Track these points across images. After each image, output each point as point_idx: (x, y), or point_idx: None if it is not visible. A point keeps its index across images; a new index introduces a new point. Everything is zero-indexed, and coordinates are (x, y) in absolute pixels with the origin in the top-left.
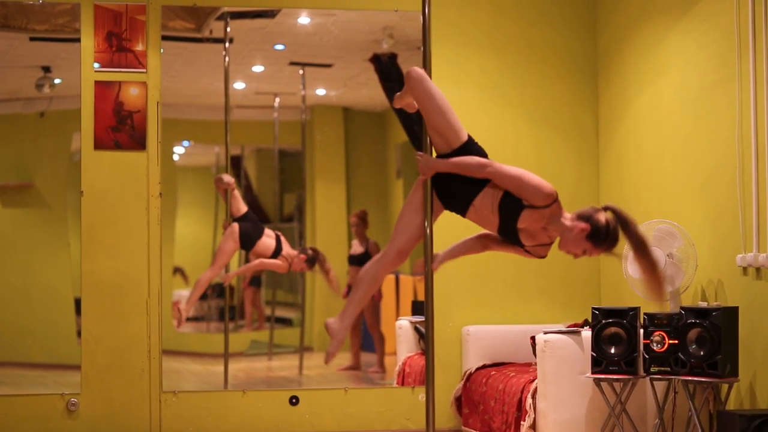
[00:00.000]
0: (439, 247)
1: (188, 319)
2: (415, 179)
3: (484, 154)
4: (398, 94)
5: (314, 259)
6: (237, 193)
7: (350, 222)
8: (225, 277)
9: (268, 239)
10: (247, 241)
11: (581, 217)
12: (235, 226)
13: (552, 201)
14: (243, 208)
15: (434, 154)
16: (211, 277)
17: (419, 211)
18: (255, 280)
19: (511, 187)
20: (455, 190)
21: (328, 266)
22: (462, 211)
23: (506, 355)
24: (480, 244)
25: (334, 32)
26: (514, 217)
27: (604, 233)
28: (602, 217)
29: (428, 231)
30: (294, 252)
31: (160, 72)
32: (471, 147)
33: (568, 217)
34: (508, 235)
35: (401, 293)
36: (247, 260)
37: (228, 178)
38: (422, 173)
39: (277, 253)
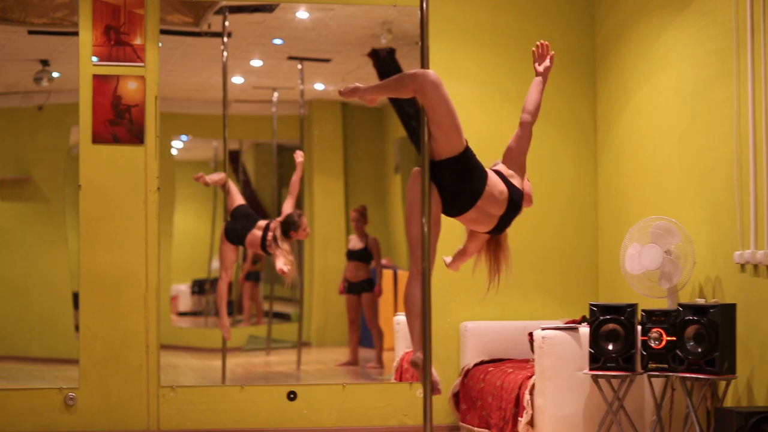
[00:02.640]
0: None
1: (186, 314)
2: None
3: (479, 164)
4: (364, 87)
5: (289, 224)
6: (232, 186)
7: (350, 217)
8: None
9: (257, 231)
10: (234, 237)
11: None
12: (223, 227)
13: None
14: (236, 201)
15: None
16: (226, 282)
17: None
18: (253, 275)
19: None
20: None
21: (285, 247)
22: (469, 205)
23: (504, 351)
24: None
25: (332, 27)
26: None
27: None
28: None
29: (426, 229)
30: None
31: (159, 66)
32: (470, 154)
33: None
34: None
35: (399, 289)
36: (245, 255)
37: (213, 178)
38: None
39: (264, 241)
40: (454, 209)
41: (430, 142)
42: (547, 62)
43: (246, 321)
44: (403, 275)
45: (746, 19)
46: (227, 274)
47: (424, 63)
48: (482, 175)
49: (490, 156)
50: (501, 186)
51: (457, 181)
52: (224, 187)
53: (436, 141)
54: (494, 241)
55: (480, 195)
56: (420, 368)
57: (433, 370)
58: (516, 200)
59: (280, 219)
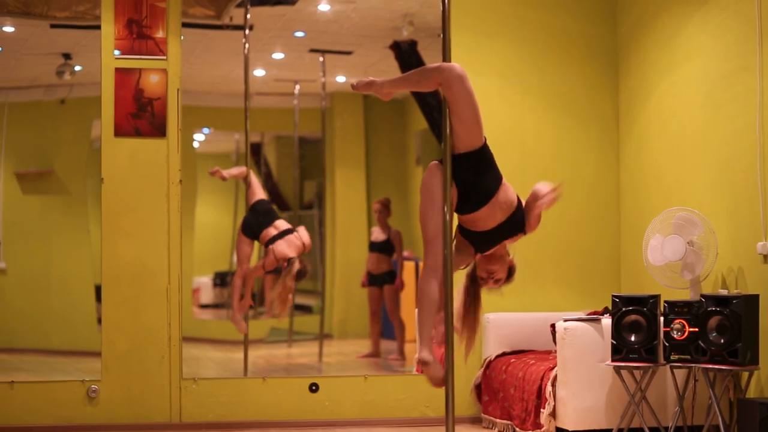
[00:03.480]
0: None
1: (207, 306)
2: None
3: (496, 165)
4: (381, 81)
5: (300, 271)
6: (254, 180)
7: (374, 209)
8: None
9: (272, 230)
10: (249, 232)
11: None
12: (241, 221)
13: None
14: (257, 195)
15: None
16: (241, 276)
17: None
18: (275, 268)
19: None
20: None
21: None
22: (483, 203)
23: (526, 342)
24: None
25: (354, 19)
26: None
27: None
28: None
29: (447, 217)
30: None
31: (181, 59)
32: (488, 151)
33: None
34: (514, 223)
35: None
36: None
37: (233, 172)
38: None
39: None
40: (466, 206)
41: (452, 136)
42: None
43: (268, 313)
44: None
45: None
46: (242, 268)
47: (446, 55)
48: (497, 176)
49: (512, 148)
50: (512, 195)
51: (473, 177)
52: (246, 180)
53: (456, 134)
54: (472, 294)
55: (494, 194)
56: (428, 366)
57: (438, 365)
58: (518, 216)
59: (300, 242)
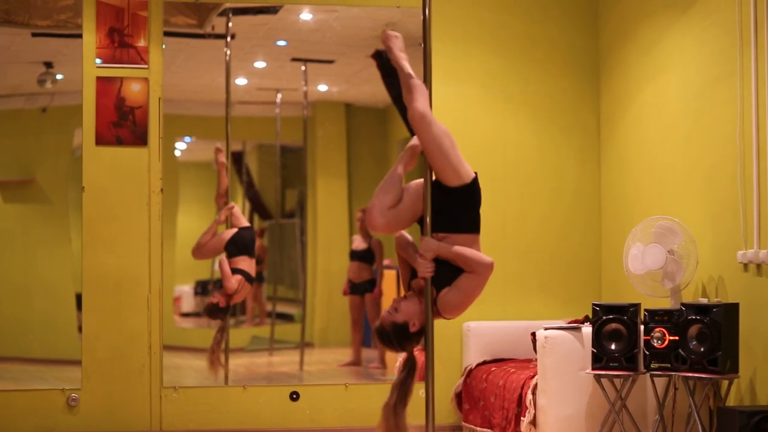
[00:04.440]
0: None
1: (188, 315)
2: (416, 175)
3: (467, 206)
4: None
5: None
6: (237, 211)
7: (356, 217)
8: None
9: (242, 261)
10: (232, 249)
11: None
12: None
13: None
14: (242, 222)
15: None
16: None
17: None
18: (256, 276)
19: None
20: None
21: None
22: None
23: (507, 351)
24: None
25: (336, 28)
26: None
27: None
28: None
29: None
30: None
31: (162, 68)
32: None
33: None
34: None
35: (402, 290)
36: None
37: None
38: (423, 254)
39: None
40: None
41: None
42: None
43: (249, 322)
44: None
45: (750, 19)
46: (205, 238)
47: (427, 64)
48: (462, 225)
49: (494, 157)
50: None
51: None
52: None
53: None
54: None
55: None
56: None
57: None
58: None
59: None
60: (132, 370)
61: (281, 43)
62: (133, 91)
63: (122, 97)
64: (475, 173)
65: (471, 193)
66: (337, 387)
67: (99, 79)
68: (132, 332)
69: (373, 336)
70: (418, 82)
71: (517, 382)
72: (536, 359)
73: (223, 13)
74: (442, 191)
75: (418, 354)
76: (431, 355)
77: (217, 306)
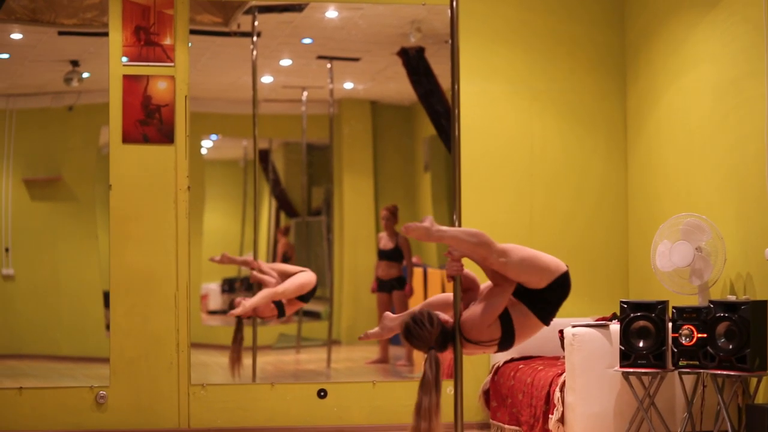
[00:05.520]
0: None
1: (216, 313)
2: (442, 172)
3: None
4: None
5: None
6: (264, 267)
7: (381, 215)
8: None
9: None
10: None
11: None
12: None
13: None
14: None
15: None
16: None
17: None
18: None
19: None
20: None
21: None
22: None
23: (534, 348)
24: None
25: (361, 26)
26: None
27: None
28: None
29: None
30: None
31: (188, 66)
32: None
33: None
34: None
35: (429, 286)
36: (275, 252)
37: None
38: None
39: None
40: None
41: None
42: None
43: (276, 319)
44: (433, 273)
45: None
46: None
47: (455, 62)
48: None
49: (520, 154)
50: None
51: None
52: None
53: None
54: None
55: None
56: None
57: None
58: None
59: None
60: (160, 367)
61: (307, 41)
62: (159, 89)
63: (148, 95)
64: (567, 267)
65: (561, 286)
66: (364, 384)
67: (125, 77)
68: (160, 330)
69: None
70: (471, 231)
71: (545, 380)
72: (564, 357)
73: (249, 11)
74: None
75: (444, 354)
76: (459, 353)
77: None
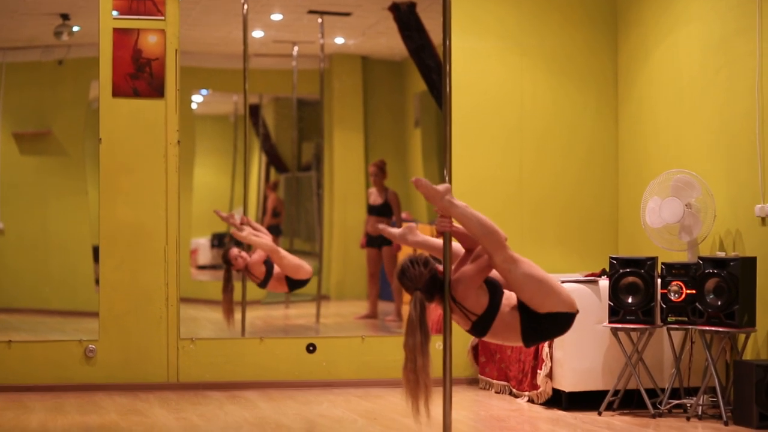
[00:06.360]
0: None
1: (205, 268)
2: (432, 128)
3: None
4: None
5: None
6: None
7: (369, 171)
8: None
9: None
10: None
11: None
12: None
13: None
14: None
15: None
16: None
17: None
18: (273, 229)
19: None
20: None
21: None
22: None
23: None
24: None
25: None
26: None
27: None
28: None
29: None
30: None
31: (179, 19)
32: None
33: None
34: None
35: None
36: (264, 208)
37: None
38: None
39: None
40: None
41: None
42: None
43: (257, 283)
44: (423, 228)
45: None
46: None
47: (446, 17)
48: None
49: (510, 110)
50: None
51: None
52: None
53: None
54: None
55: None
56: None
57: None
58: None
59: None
60: (149, 321)
61: None
62: (149, 43)
63: (139, 49)
64: (578, 311)
65: (561, 323)
66: (353, 339)
67: (116, 30)
68: (149, 284)
69: (395, 287)
70: (487, 222)
71: None
72: None
73: None
74: (537, 316)
75: (434, 307)
76: (448, 309)
77: (230, 263)
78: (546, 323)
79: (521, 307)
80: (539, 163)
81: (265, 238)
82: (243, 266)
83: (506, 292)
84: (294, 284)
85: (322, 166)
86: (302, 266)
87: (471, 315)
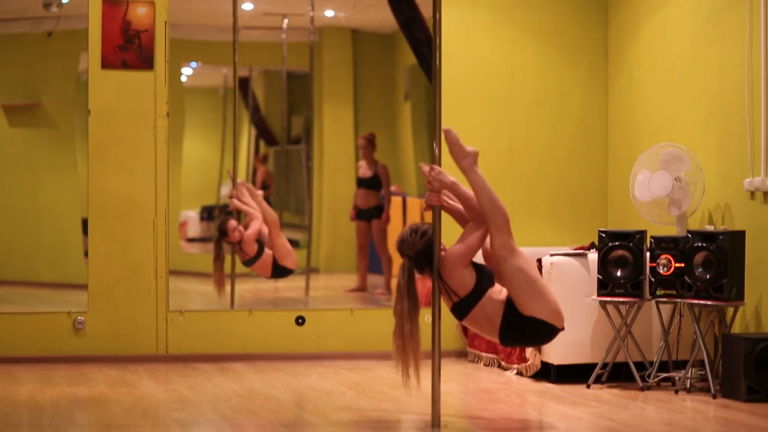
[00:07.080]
0: None
1: (194, 240)
2: (422, 101)
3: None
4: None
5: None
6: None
7: (358, 144)
8: (232, 204)
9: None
10: None
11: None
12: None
13: None
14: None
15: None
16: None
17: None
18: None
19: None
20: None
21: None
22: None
23: None
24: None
25: None
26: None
27: None
28: None
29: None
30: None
31: None
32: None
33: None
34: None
35: (408, 215)
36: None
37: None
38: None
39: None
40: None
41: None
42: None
43: (243, 260)
44: (412, 202)
45: None
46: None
47: None
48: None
49: (500, 83)
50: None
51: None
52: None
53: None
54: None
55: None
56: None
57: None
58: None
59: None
60: (138, 293)
61: None
62: (139, 14)
63: (128, 21)
64: (563, 327)
65: (543, 333)
66: (342, 312)
67: (105, 2)
68: (138, 256)
69: (385, 260)
70: (499, 202)
71: None
72: None
73: None
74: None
75: (423, 281)
76: (437, 282)
77: (226, 234)
78: (527, 327)
79: (508, 303)
80: (529, 136)
81: (250, 213)
82: (238, 239)
83: (497, 285)
84: (278, 271)
85: (311, 139)
86: (292, 254)
87: (453, 295)
